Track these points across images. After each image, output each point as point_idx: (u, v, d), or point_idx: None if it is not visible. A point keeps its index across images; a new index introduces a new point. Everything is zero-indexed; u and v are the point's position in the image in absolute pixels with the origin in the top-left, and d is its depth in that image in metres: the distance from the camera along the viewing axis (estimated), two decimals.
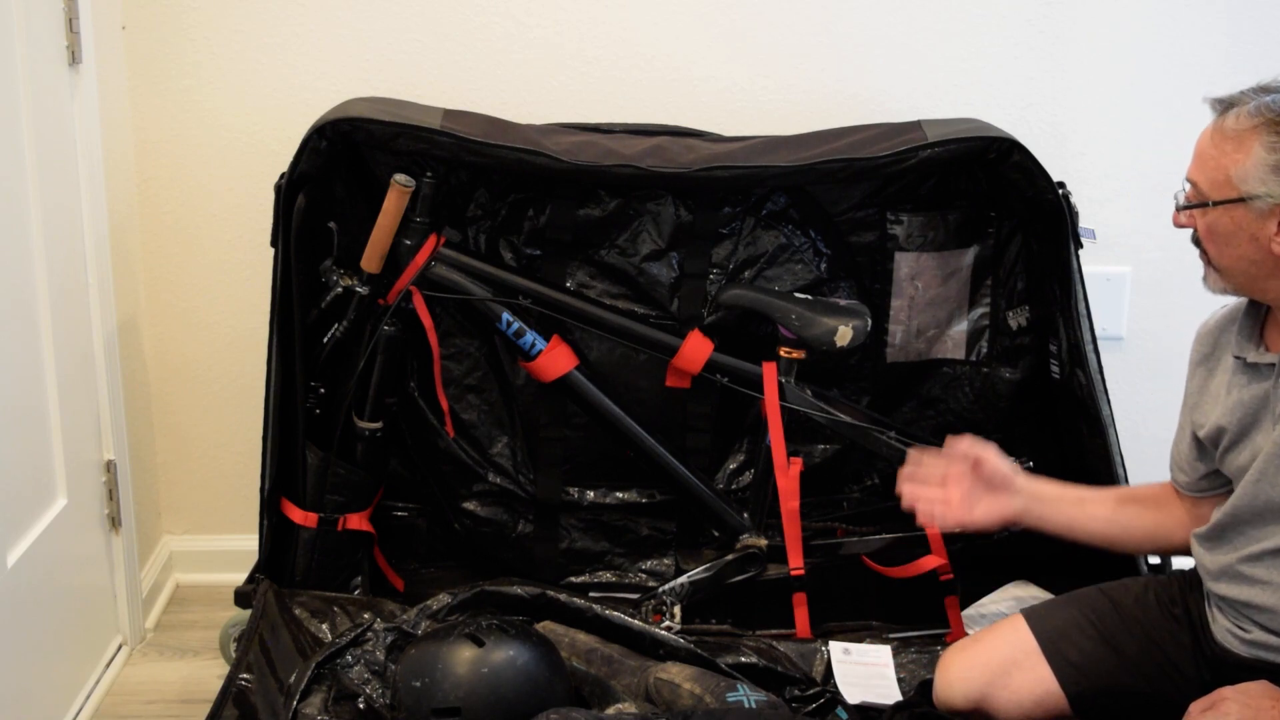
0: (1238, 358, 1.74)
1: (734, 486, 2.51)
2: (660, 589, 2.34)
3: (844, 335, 2.26)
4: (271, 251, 2.25)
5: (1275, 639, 1.71)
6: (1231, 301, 1.81)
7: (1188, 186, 1.71)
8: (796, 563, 2.32)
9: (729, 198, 2.41)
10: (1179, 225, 1.74)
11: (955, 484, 1.95)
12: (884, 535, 2.40)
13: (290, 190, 2.20)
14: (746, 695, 1.96)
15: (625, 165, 2.22)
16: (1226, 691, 1.67)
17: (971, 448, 1.96)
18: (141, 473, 2.58)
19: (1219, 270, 1.71)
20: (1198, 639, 1.83)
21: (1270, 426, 1.69)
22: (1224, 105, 1.67)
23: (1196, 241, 1.72)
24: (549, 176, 2.28)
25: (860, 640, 2.25)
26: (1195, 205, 1.68)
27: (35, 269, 2.09)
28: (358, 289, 2.29)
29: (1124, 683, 1.83)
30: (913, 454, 2.00)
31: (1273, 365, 1.70)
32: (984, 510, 1.97)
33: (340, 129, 2.21)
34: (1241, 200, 1.62)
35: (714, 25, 2.51)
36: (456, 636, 1.93)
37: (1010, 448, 2.45)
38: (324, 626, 2.15)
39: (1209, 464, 1.84)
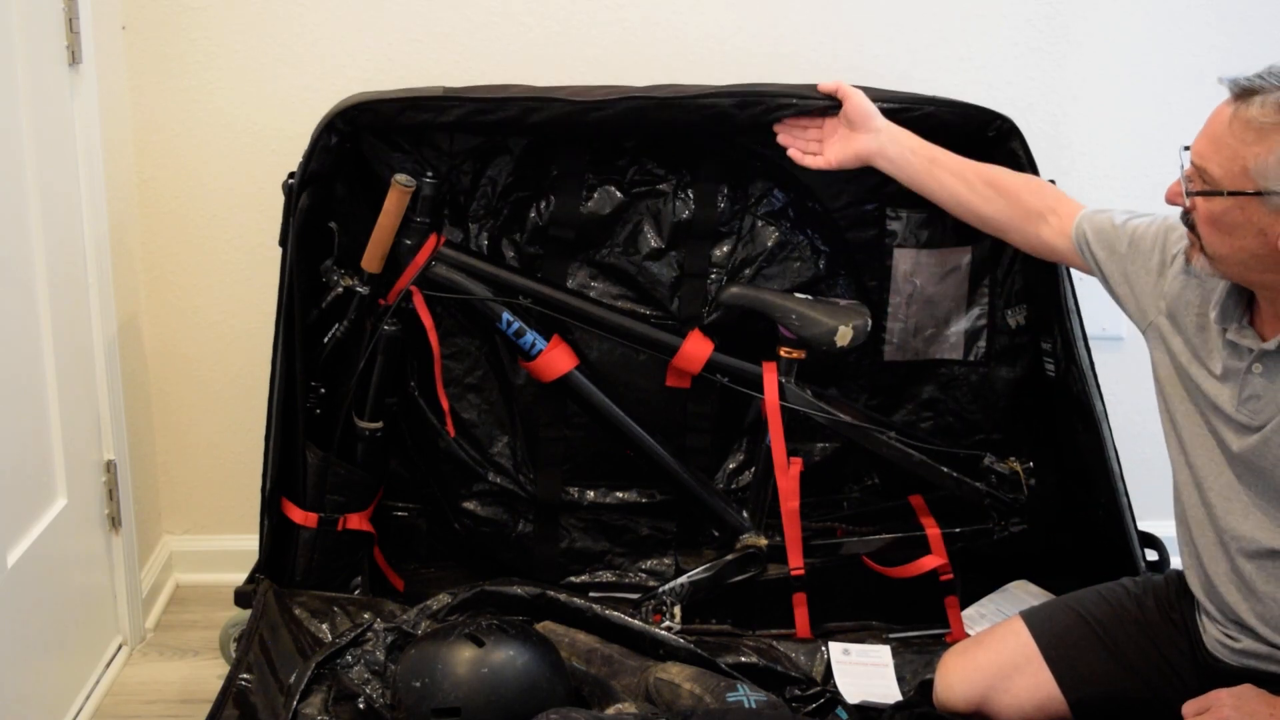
0: (1221, 327, 1.71)
1: (734, 486, 2.51)
2: (660, 589, 2.34)
3: (844, 336, 2.26)
4: (271, 250, 2.25)
5: (1264, 647, 1.71)
6: None
7: (1190, 162, 1.62)
8: (796, 563, 2.32)
9: (727, 180, 2.39)
10: (1175, 203, 1.66)
11: (829, 127, 2.05)
12: (884, 535, 2.40)
13: (301, 190, 2.20)
14: (746, 695, 1.96)
15: (634, 96, 2.19)
16: (1221, 695, 1.67)
17: (836, 86, 2.05)
18: (141, 473, 2.57)
19: (1211, 257, 1.64)
20: (1193, 645, 1.83)
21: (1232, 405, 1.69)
22: (1244, 90, 1.56)
23: (1190, 224, 1.65)
24: (557, 130, 2.24)
25: (860, 640, 2.26)
26: (1207, 192, 1.59)
27: (35, 268, 2.09)
28: (358, 289, 2.29)
29: (1124, 687, 1.83)
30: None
31: (1251, 350, 1.67)
32: (837, 148, 2.06)
33: (348, 115, 2.20)
34: (1257, 195, 1.55)
35: (715, 28, 2.51)
36: (456, 636, 1.93)
37: (1009, 447, 2.46)
38: (324, 626, 2.15)
39: (1098, 266, 1.90)
